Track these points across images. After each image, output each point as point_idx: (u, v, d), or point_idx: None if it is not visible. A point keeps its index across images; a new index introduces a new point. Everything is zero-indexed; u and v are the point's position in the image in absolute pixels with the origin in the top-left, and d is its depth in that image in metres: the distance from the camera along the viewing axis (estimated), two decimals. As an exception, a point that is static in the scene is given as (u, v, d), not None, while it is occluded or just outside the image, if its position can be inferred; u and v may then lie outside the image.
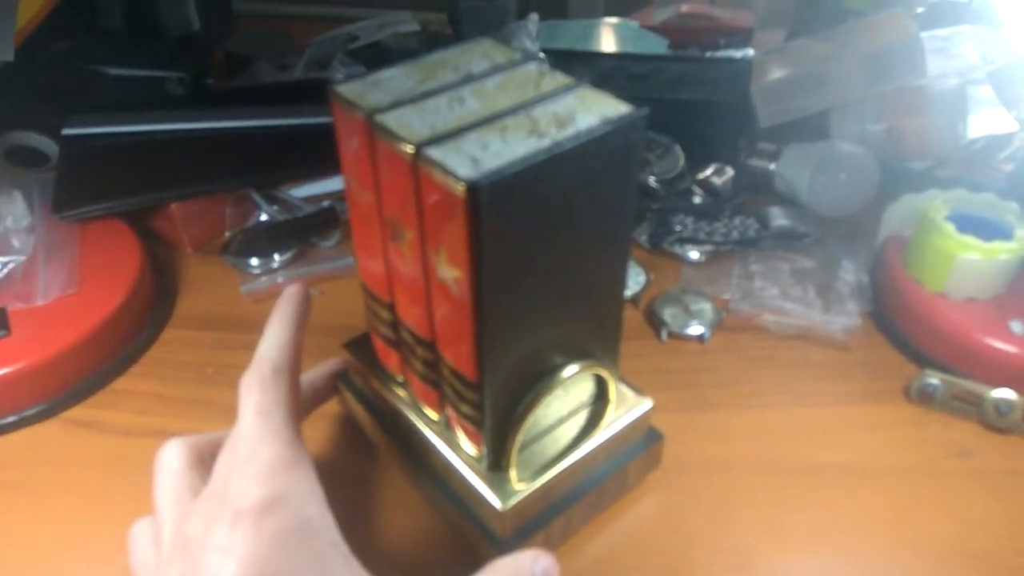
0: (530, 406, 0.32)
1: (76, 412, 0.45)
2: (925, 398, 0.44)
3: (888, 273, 0.50)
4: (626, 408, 0.37)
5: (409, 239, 0.29)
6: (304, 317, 0.36)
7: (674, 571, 0.37)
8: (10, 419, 0.44)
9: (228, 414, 0.30)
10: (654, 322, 0.51)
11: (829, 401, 0.46)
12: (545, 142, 0.26)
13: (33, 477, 0.41)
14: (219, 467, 0.29)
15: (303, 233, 0.58)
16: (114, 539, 0.32)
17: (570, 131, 0.27)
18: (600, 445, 0.36)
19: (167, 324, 0.52)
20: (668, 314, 0.50)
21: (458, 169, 0.24)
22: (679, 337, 0.50)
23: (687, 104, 0.64)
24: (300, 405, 0.33)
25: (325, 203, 0.60)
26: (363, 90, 0.29)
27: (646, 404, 0.38)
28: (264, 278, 0.55)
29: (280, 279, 0.54)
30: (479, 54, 0.32)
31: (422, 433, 0.36)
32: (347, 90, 0.29)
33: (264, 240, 0.56)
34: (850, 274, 0.52)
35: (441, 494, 0.36)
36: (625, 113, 0.28)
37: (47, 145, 0.62)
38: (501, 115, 0.28)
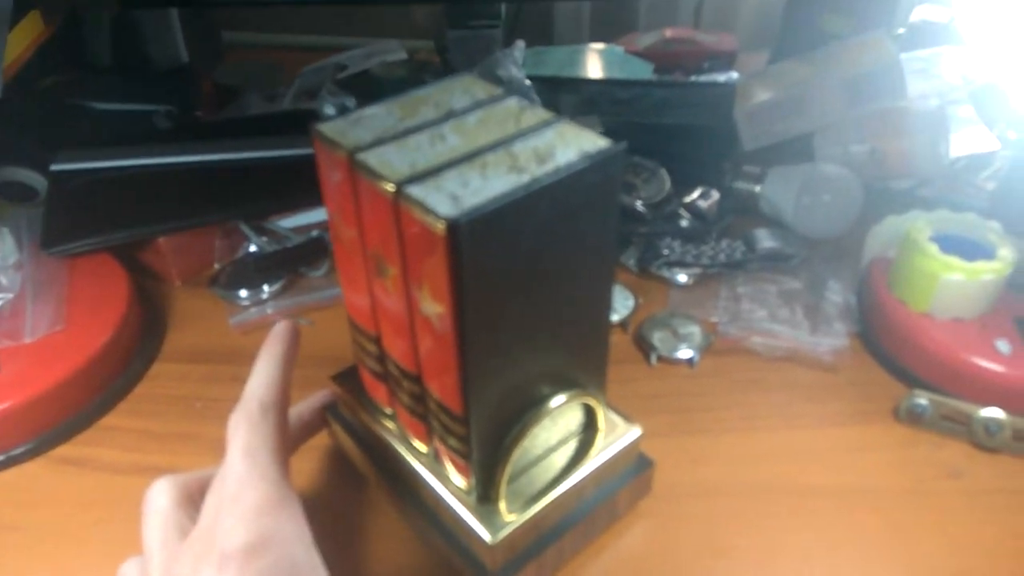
0: (517, 438, 0.32)
1: (64, 450, 0.45)
2: (914, 418, 0.44)
3: (873, 294, 0.51)
4: (616, 436, 0.37)
5: (392, 275, 0.29)
6: (293, 354, 0.36)
7: (666, 600, 0.36)
8: (-3, 458, 0.44)
9: (217, 448, 0.30)
10: (643, 346, 0.51)
11: (819, 423, 0.46)
12: (525, 178, 0.26)
13: (20, 516, 0.41)
14: (207, 507, 0.29)
15: (292, 263, 0.58)
16: (102, 580, 0.32)
17: (549, 166, 0.27)
18: (590, 474, 0.36)
19: (155, 358, 0.52)
20: (657, 338, 0.50)
21: (438, 207, 0.25)
22: (668, 361, 0.50)
23: (672, 128, 0.64)
24: (288, 440, 0.33)
25: (314, 233, 0.60)
26: (345, 128, 0.29)
27: (635, 431, 0.38)
28: (253, 310, 0.55)
29: (269, 310, 0.54)
30: (460, 90, 0.32)
31: (411, 465, 0.36)
32: (329, 129, 0.29)
33: (253, 271, 0.56)
34: (837, 295, 0.52)
35: (431, 527, 0.36)
36: (604, 147, 0.28)
37: (36, 180, 0.62)
38: (481, 151, 0.28)
